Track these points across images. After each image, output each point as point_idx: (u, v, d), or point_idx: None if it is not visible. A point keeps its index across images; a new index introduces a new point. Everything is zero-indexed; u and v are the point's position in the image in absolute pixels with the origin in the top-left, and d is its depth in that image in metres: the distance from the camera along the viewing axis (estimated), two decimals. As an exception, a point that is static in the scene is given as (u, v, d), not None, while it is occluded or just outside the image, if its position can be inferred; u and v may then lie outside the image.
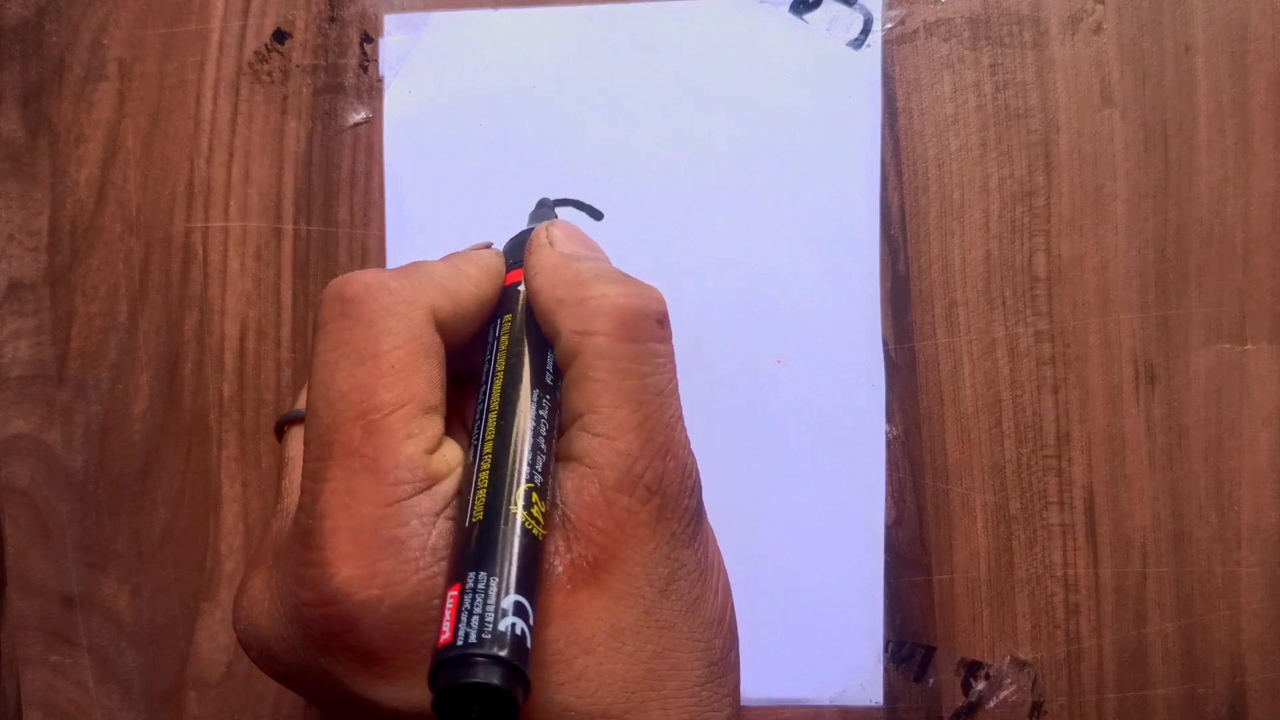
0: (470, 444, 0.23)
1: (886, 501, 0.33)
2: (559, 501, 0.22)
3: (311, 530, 0.21)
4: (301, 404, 0.26)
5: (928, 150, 0.33)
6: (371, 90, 0.34)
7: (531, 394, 0.23)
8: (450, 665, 0.19)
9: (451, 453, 0.23)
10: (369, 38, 0.34)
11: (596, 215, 0.34)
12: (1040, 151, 0.33)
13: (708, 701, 0.22)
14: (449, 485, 0.22)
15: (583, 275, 0.24)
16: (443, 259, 0.26)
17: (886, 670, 0.33)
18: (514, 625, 0.19)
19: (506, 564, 0.20)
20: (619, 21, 0.34)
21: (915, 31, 0.33)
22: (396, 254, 0.34)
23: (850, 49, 0.33)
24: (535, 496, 0.21)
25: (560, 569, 0.21)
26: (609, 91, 0.34)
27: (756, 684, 0.33)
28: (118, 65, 0.35)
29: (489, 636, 0.19)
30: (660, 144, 0.34)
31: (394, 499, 0.21)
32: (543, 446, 0.22)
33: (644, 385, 0.23)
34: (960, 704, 0.33)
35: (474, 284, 0.25)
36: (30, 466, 0.35)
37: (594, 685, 0.21)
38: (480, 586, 0.19)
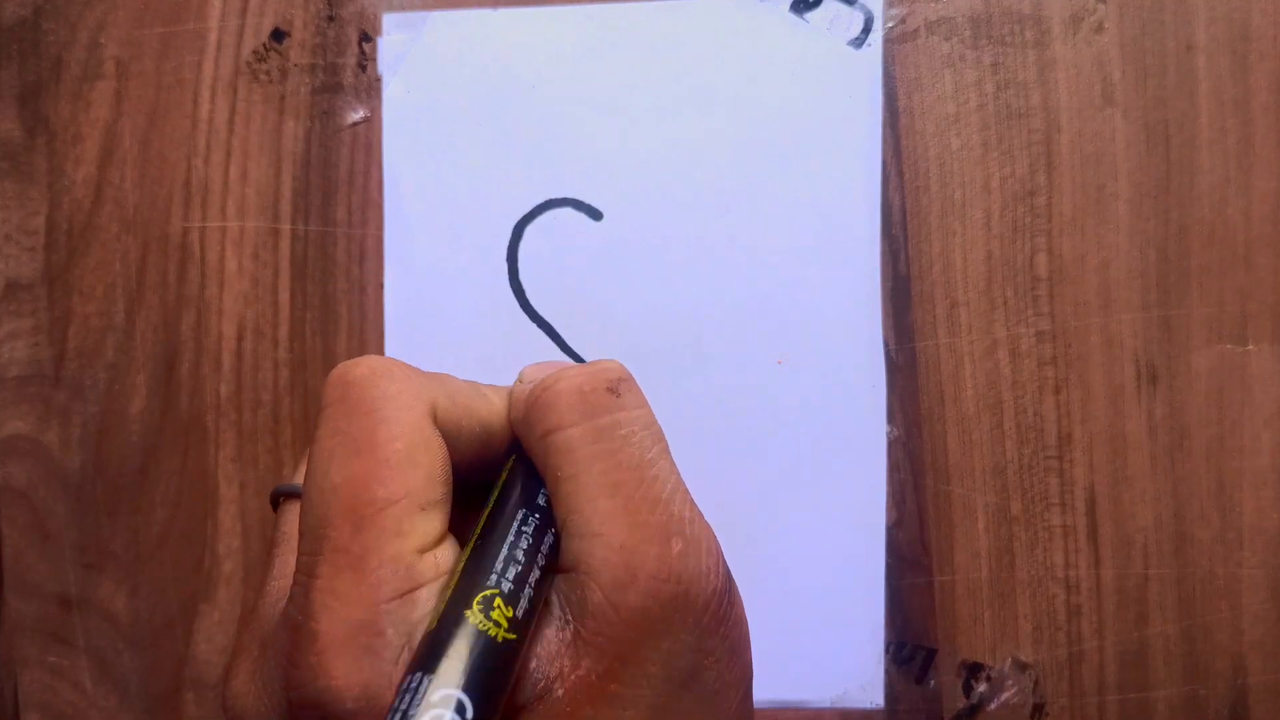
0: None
1: (887, 502, 0.33)
2: (568, 620, 0.21)
3: (300, 629, 0.20)
4: (299, 478, 0.25)
5: (929, 149, 0.33)
6: (370, 90, 0.34)
7: (518, 515, 0.22)
8: None
9: (445, 556, 0.21)
10: (368, 37, 0.34)
11: (596, 215, 0.34)
12: (1042, 151, 0.33)
13: None
14: (433, 591, 0.21)
15: (538, 388, 0.23)
16: (471, 382, 0.25)
17: (887, 672, 0.33)
18: (440, 717, 0.18)
19: (446, 662, 0.19)
20: (619, 21, 0.34)
21: (916, 30, 0.33)
22: (395, 254, 0.34)
23: (851, 48, 0.33)
24: (499, 602, 0.20)
25: (561, 692, 0.20)
26: (609, 91, 0.34)
27: (757, 686, 0.33)
28: (115, 64, 0.35)
29: None
30: (660, 144, 0.34)
31: (375, 601, 0.20)
32: (520, 560, 0.21)
33: (615, 465, 0.21)
34: (961, 706, 0.33)
35: (488, 407, 0.24)
36: (27, 467, 0.35)
37: None
38: (413, 685, 0.19)
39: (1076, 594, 0.33)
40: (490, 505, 0.23)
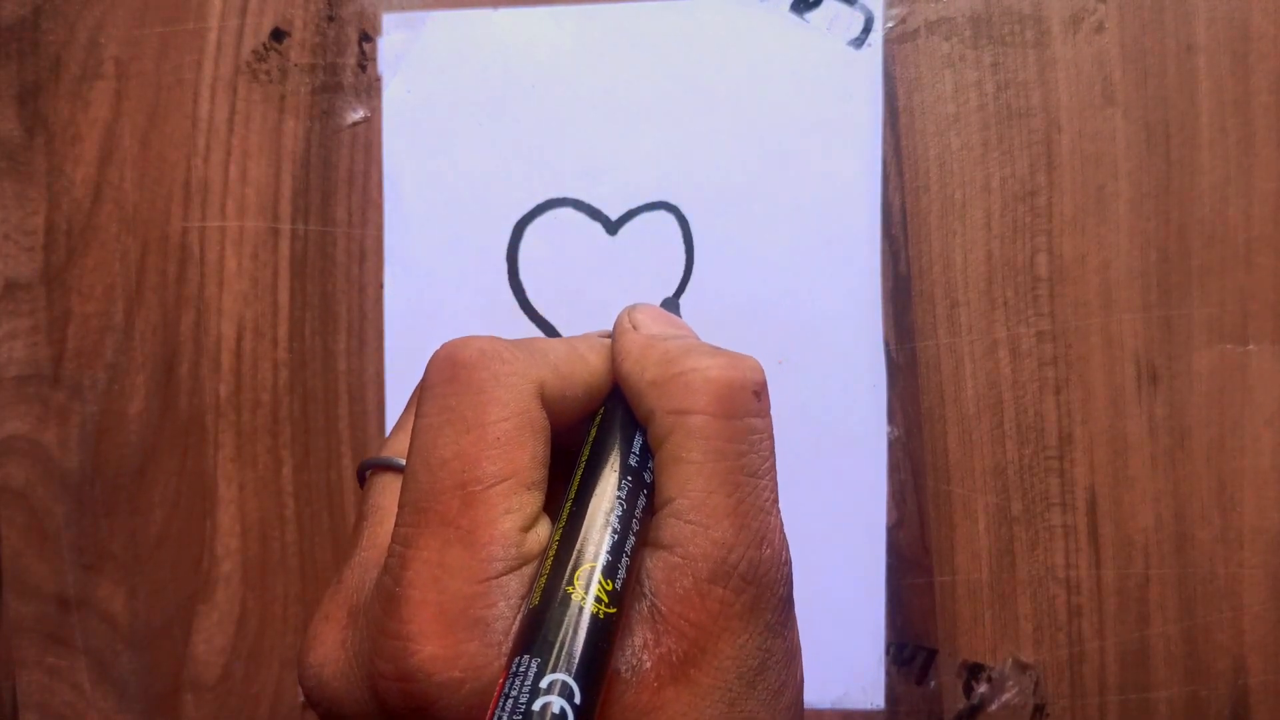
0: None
1: (888, 503, 0.33)
2: (648, 592, 0.21)
3: (397, 599, 0.21)
4: (390, 451, 0.25)
5: (929, 149, 0.33)
6: (370, 89, 0.34)
7: (613, 479, 0.22)
8: None
9: (546, 534, 0.22)
10: (368, 36, 0.34)
11: (597, 215, 0.34)
12: (1042, 151, 0.33)
13: None
14: (533, 567, 0.21)
15: (672, 353, 0.23)
16: (561, 339, 0.25)
17: (888, 673, 0.33)
18: (549, 705, 0.18)
19: (553, 645, 0.19)
20: (619, 21, 0.34)
21: (916, 30, 0.33)
22: (395, 254, 0.34)
23: (851, 48, 0.33)
24: (600, 577, 0.21)
25: (648, 665, 0.21)
26: (608, 91, 0.34)
27: (757, 686, 0.33)
28: (115, 64, 0.35)
29: (520, 719, 0.18)
30: (660, 143, 0.34)
31: (485, 576, 0.20)
32: (616, 527, 0.21)
33: (740, 466, 0.22)
34: (962, 707, 0.33)
35: (588, 369, 0.24)
36: (26, 467, 0.35)
37: None
38: (522, 669, 0.19)
39: (1077, 594, 0.33)
40: (582, 467, 0.23)
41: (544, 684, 0.19)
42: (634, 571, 0.22)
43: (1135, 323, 0.32)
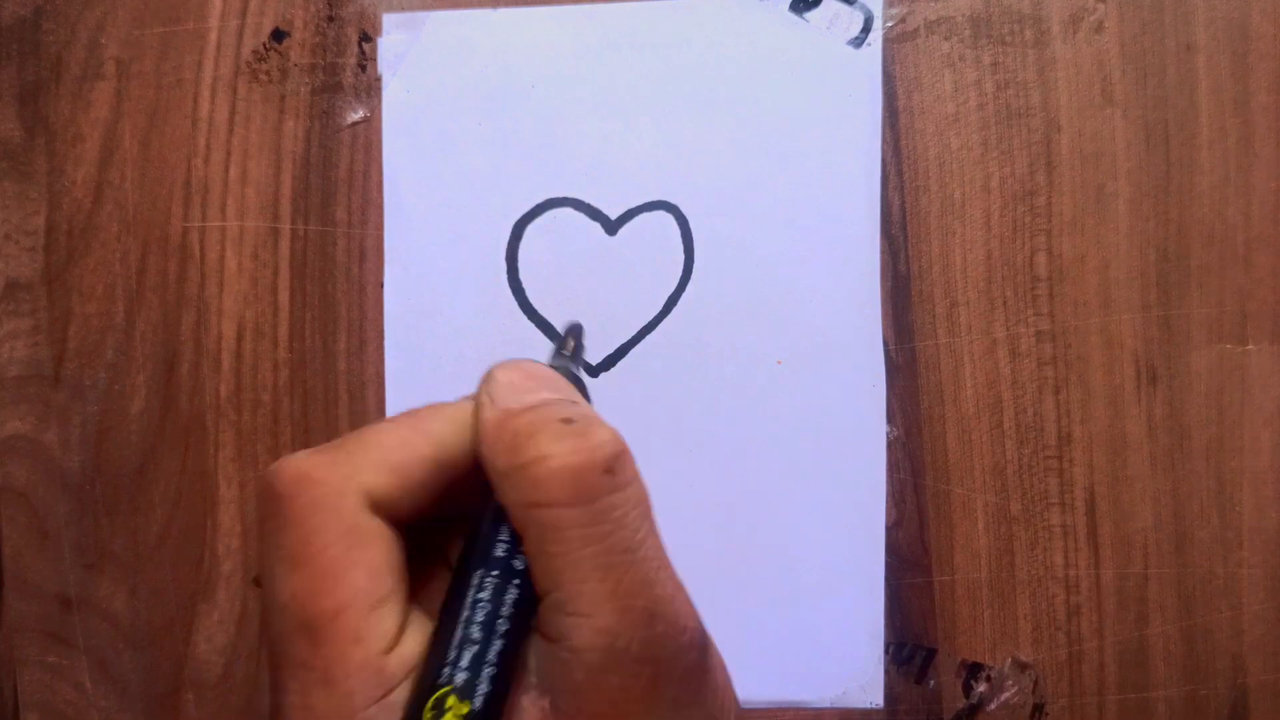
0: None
1: (887, 502, 0.33)
2: (547, 689, 0.21)
3: None
4: None
5: (928, 149, 0.33)
6: (370, 89, 0.34)
7: (473, 579, 0.21)
8: None
9: (413, 645, 0.21)
10: (368, 37, 0.34)
11: (597, 215, 0.34)
12: (1041, 151, 0.33)
13: None
14: (406, 687, 0.21)
15: (519, 437, 0.21)
16: (403, 415, 0.23)
17: (887, 672, 0.33)
18: None
19: None
20: (619, 21, 0.34)
21: (916, 30, 0.33)
22: (395, 253, 0.34)
23: (851, 48, 0.33)
24: (452, 701, 0.20)
25: None
26: (608, 90, 0.34)
27: (757, 687, 0.33)
28: (115, 64, 0.35)
29: None
30: (660, 143, 0.34)
31: (350, 712, 0.20)
32: (477, 637, 0.21)
33: (607, 548, 0.20)
34: (961, 706, 0.33)
35: (432, 443, 0.22)
36: (27, 467, 0.35)
37: None
38: None
39: (1076, 594, 0.33)
40: (454, 573, 0.22)
41: None
42: (523, 667, 0.21)
43: (1134, 322, 0.32)
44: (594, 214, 0.34)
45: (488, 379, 0.23)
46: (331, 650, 0.20)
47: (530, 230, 0.34)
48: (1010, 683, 0.33)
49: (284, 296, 0.34)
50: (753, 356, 0.33)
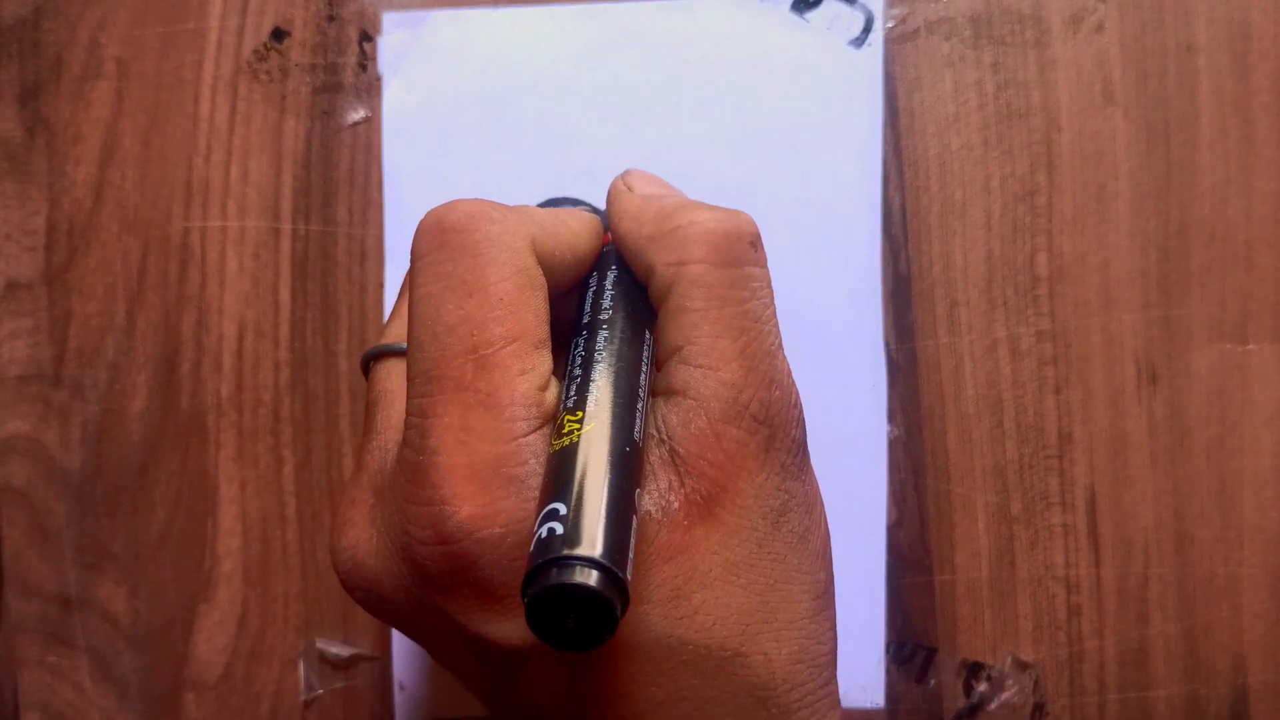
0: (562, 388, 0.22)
1: (887, 502, 0.33)
2: (666, 438, 0.21)
3: (424, 467, 0.20)
4: (389, 338, 0.25)
5: (929, 149, 0.33)
6: (370, 89, 0.34)
7: (615, 332, 0.22)
8: (540, 571, 0.18)
9: (556, 392, 0.22)
10: (368, 36, 0.34)
11: (598, 214, 0.34)
12: (1042, 150, 0.33)
13: (814, 634, 0.22)
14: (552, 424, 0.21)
15: (668, 208, 0.23)
16: (546, 208, 0.25)
17: (888, 672, 0.33)
18: (579, 543, 0.19)
19: (571, 487, 0.19)
20: (619, 20, 0.34)
21: (916, 30, 0.33)
22: (395, 253, 0.34)
23: (851, 48, 0.33)
24: (615, 414, 0.21)
25: (676, 505, 0.21)
26: (609, 90, 0.34)
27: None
28: (115, 64, 0.35)
29: (581, 542, 0.18)
30: (660, 143, 0.34)
31: (512, 436, 0.20)
32: (624, 373, 0.22)
33: (743, 311, 0.22)
34: (962, 705, 0.33)
35: (572, 234, 0.24)
36: (27, 467, 0.35)
37: (711, 619, 0.21)
38: (550, 514, 0.19)
39: (1077, 593, 0.33)
40: (587, 327, 0.23)
41: (568, 525, 0.19)
42: (648, 420, 0.22)
43: (1135, 322, 0.33)
44: (594, 213, 0.34)
45: (620, 178, 0.25)
46: (499, 376, 0.21)
47: (531, 230, 0.34)
48: (1011, 682, 0.33)
49: (285, 296, 0.34)
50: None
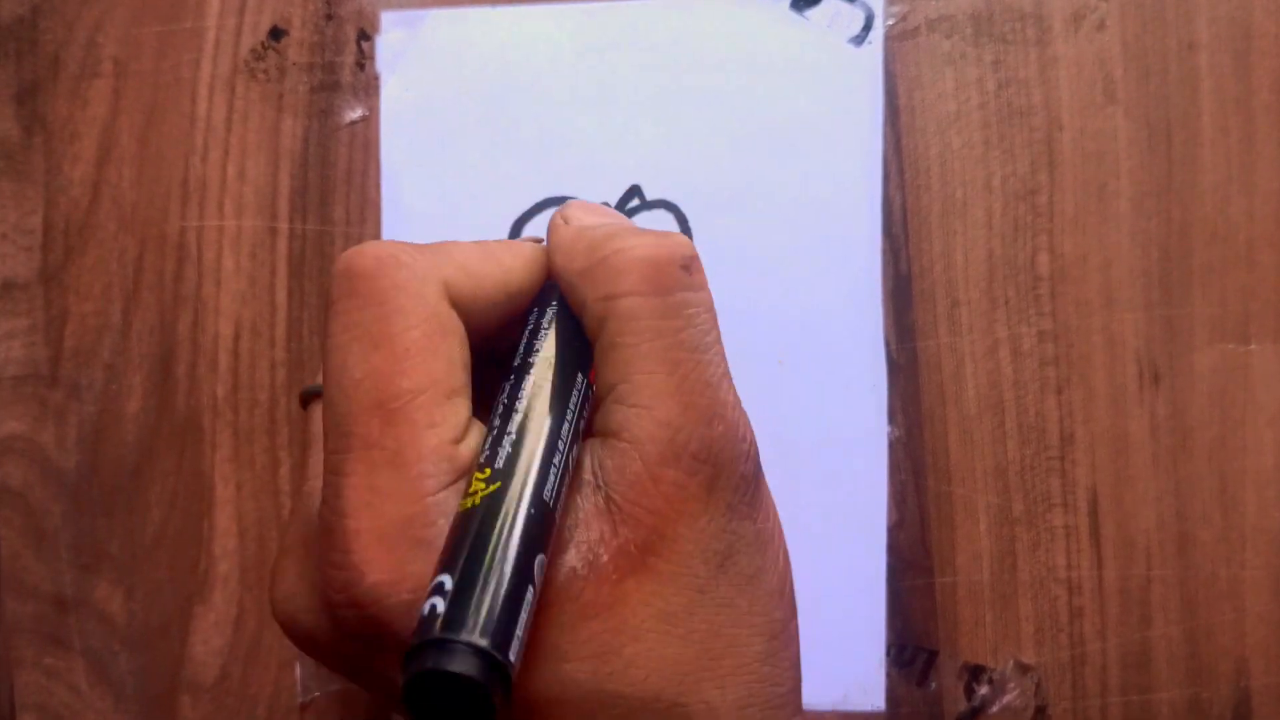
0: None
1: (888, 503, 0.33)
2: (601, 484, 0.21)
3: (335, 530, 0.20)
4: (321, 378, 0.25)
5: (930, 148, 0.33)
6: (368, 88, 0.34)
7: (545, 377, 0.21)
8: (417, 653, 0.17)
9: (477, 441, 0.21)
10: (366, 35, 0.34)
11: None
12: (1043, 149, 0.32)
13: (767, 676, 0.21)
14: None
15: (598, 239, 0.22)
16: (473, 241, 0.24)
17: (888, 675, 0.33)
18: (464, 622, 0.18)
19: (465, 554, 0.19)
20: (618, 19, 0.34)
21: (917, 28, 0.33)
22: (393, 253, 0.34)
23: (851, 46, 0.33)
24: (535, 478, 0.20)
25: (605, 559, 0.20)
26: (608, 89, 0.34)
27: (756, 688, 0.33)
28: (113, 63, 0.35)
29: (465, 623, 0.17)
30: (659, 142, 0.33)
31: (420, 495, 0.20)
32: (551, 426, 0.21)
33: (677, 342, 0.21)
34: (963, 708, 0.33)
35: (503, 270, 0.23)
36: (23, 467, 0.35)
37: (644, 672, 0.20)
38: (442, 586, 0.18)
39: (1079, 595, 0.32)
40: (516, 369, 0.22)
41: (450, 602, 0.18)
42: (578, 466, 0.21)
43: (1137, 322, 0.32)
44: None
45: (559, 212, 0.24)
46: (406, 431, 0.20)
47: (529, 229, 0.34)
48: (1012, 685, 0.33)
49: (281, 296, 0.34)
50: (753, 357, 0.33)
